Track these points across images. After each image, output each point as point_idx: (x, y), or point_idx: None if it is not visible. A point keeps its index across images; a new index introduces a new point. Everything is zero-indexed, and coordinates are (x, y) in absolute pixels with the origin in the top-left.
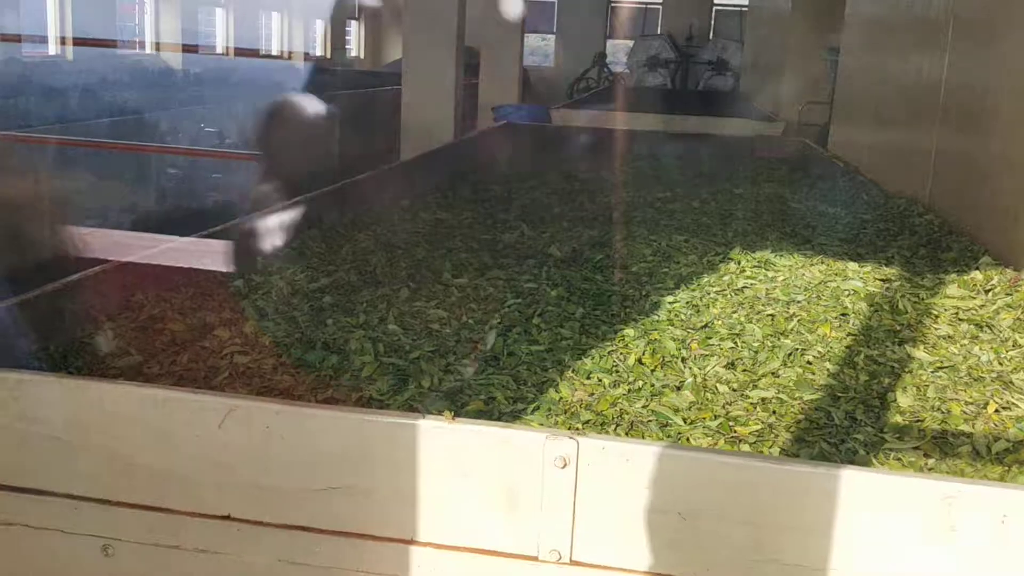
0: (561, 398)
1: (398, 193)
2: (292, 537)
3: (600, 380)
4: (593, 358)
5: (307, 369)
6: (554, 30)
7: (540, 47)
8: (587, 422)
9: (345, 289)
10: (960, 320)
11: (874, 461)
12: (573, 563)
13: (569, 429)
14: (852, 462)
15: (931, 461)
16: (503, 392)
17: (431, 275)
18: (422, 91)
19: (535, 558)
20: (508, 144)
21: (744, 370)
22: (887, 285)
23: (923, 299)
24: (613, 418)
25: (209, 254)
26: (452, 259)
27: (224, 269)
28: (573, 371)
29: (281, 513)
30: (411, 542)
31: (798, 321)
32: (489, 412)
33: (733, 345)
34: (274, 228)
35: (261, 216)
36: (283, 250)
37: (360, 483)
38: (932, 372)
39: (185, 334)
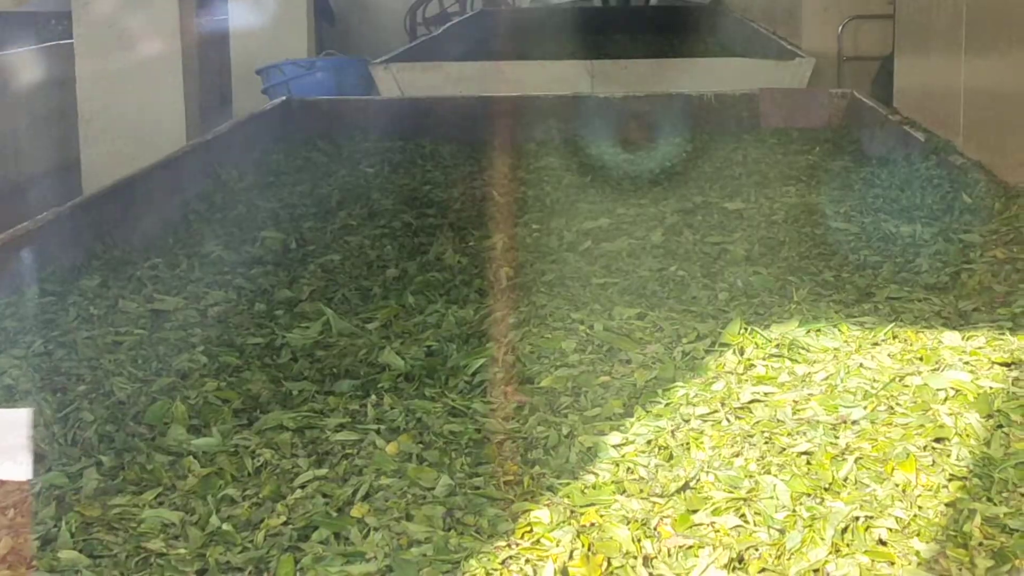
0: None
1: (62, 264)
2: None
3: None
4: None
5: None
6: None
7: None
8: None
9: None
10: None
11: None
12: None
13: None
14: None
15: None
16: None
17: (146, 434)
18: (115, 48)
19: None
20: (293, 141)
21: (763, 570)
22: (1016, 372)
23: None
24: None
25: None
26: (188, 397)
27: None
28: None
29: None
30: None
31: (856, 460)
32: None
33: (740, 521)
34: None
35: None
36: None
37: None
38: None
39: None
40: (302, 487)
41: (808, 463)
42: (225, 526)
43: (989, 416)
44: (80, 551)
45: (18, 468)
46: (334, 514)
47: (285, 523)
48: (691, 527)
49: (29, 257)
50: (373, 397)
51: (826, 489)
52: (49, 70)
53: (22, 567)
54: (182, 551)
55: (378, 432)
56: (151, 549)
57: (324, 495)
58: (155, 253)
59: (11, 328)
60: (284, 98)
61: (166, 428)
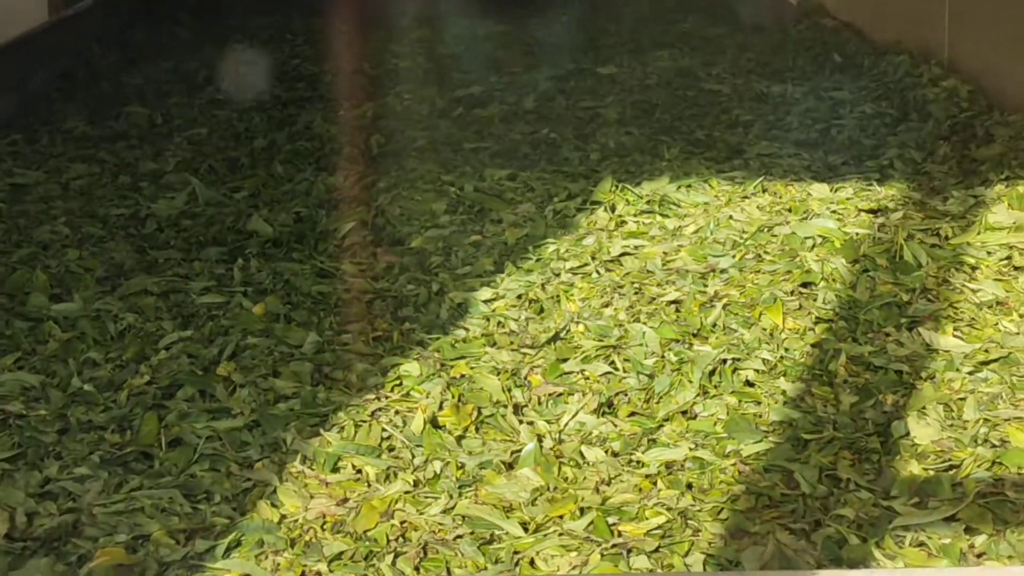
0: (284, 517)
1: None
2: None
3: (360, 471)
4: (343, 428)
5: None
6: None
7: None
8: (337, 557)
9: None
10: (1016, 270)
11: (879, 556)
12: None
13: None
14: (839, 560)
15: (979, 540)
16: (164, 523)
17: (5, 303)
18: None
19: None
20: (159, 19)
21: (632, 413)
22: (881, 220)
23: (948, 239)
24: (387, 540)
25: None
26: (49, 266)
27: None
28: (305, 460)
29: None
30: None
31: (724, 307)
32: (142, 566)
33: (609, 368)
34: None
35: None
36: None
37: None
38: (970, 372)
39: None
40: (166, 348)
41: (677, 311)
42: (87, 387)
43: (855, 261)
44: None
45: None
46: (200, 373)
47: (149, 383)
48: (561, 375)
49: None
50: (240, 261)
51: (694, 335)
52: None
53: None
54: (43, 412)
55: (244, 294)
56: (10, 411)
57: (189, 355)
58: (15, 130)
59: None
60: None
61: (26, 296)
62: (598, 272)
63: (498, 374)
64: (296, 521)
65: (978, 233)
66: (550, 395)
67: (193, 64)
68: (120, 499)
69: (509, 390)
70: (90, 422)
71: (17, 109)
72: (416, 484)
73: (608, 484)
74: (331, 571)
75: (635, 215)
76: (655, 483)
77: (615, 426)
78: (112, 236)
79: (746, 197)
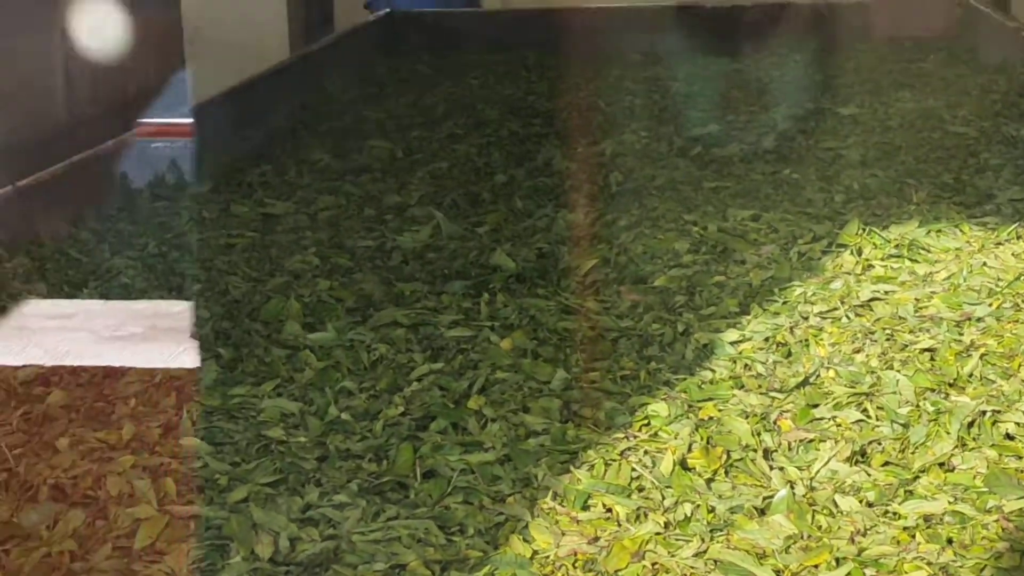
0: (535, 553)
1: (182, 170)
2: None
3: (610, 510)
4: (593, 466)
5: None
6: None
7: None
8: None
9: (77, 373)
10: None
11: None
12: None
13: None
14: None
15: None
16: (420, 553)
17: (262, 330)
18: None
19: None
20: (397, 54)
21: (887, 463)
22: None
23: None
24: None
25: None
26: (302, 295)
27: None
28: (555, 496)
29: None
30: None
31: (982, 357)
32: None
33: (862, 416)
34: None
35: None
36: None
37: None
38: None
39: None
40: (418, 380)
41: (932, 359)
42: (344, 415)
43: None
44: (202, 439)
45: (138, 357)
46: (451, 405)
47: (403, 414)
48: (812, 421)
49: (140, 165)
50: (486, 296)
51: (951, 384)
52: None
53: (145, 453)
54: (302, 439)
55: (491, 329)
56: (272, 437)
57: (441, 388)
58: (264, 161)
59: (126, 231)
60: (387, 11)
61: (281, 324)
62: (847, 317)
63: (747, 417)
64: (548, 557)
65: None
66: (801, 441)
67: (432, 98)
68: (378, 528)
69: (758, 434)
70: (348, 450)
71: (265, 142)
72: (666, 526)
73: (864, 535)
74: None
75: (883, 259)
76: (913, 536)
77: (869, 475)
78: (360, 267)
79: (999, 243)
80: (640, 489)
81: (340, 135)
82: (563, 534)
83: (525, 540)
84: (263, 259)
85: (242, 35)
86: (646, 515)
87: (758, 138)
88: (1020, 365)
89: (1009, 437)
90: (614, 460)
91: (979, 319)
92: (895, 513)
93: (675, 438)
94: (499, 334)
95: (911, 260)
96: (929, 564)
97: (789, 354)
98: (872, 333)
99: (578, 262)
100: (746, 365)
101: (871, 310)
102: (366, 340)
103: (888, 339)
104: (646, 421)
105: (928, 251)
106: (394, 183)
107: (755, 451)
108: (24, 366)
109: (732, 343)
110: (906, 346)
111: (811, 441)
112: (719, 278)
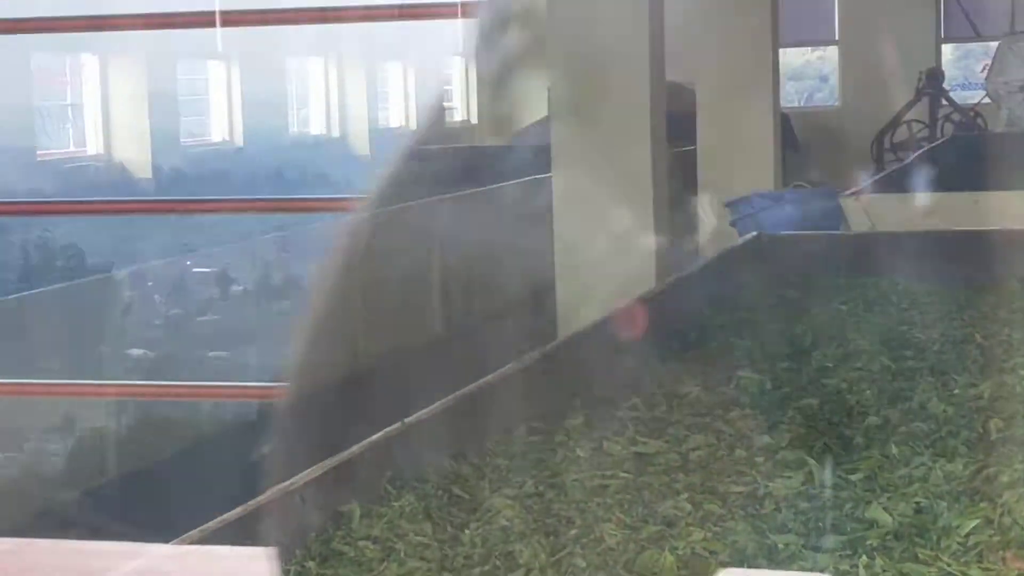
0: None
1: (548, 402)
2: None
3: None
4: None
5: None
6: (835, 38)
7: (808, 68)
8: None
9: None
10: None
11: None
12: None
13: None
14: None
15: None
16: None
17: None
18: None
19: None
20: (762, 279)
21: None
22: None
23: None
24: None
25: None
26: (676, 547)
27: None
28: None
29: None
30: None
31: None
32: None
33: None
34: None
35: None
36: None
37: None
38: None
39: None
40: None
41: None
42: None
43: None
44: None
45: None
46: None
47: None
48: None
49: (517, 396)
50: (864, 558)
51: None
52: (528, 203)
53: None
54: None
55: None
56: None
57: None
58: (634, 392)
59: (503, 466)
60: (756, 233)
61: None
62: None
63: None
64: None
65: None
66: None
67: (801, 326)
68: None
69: None
70: None
71: (635, 370)
72: None
73: None
74: None
75: None
76: None
77: None
78: (731, 515)
79: None
80: None
81: (708, 366)
82: None
83: None
84: (635, 503)
85: (609, 259)
86: None
87: None
88: None
89: None
90: None
91: None
92: None
93: None
94: None
95: None
96: None
97: None
98: None
99: (958, 521)
100: None
101: None
102: None
103: None
104: None
105: None
106: (764, 421)
107: None
108: None
109: None
110: None
111: None
112: None
